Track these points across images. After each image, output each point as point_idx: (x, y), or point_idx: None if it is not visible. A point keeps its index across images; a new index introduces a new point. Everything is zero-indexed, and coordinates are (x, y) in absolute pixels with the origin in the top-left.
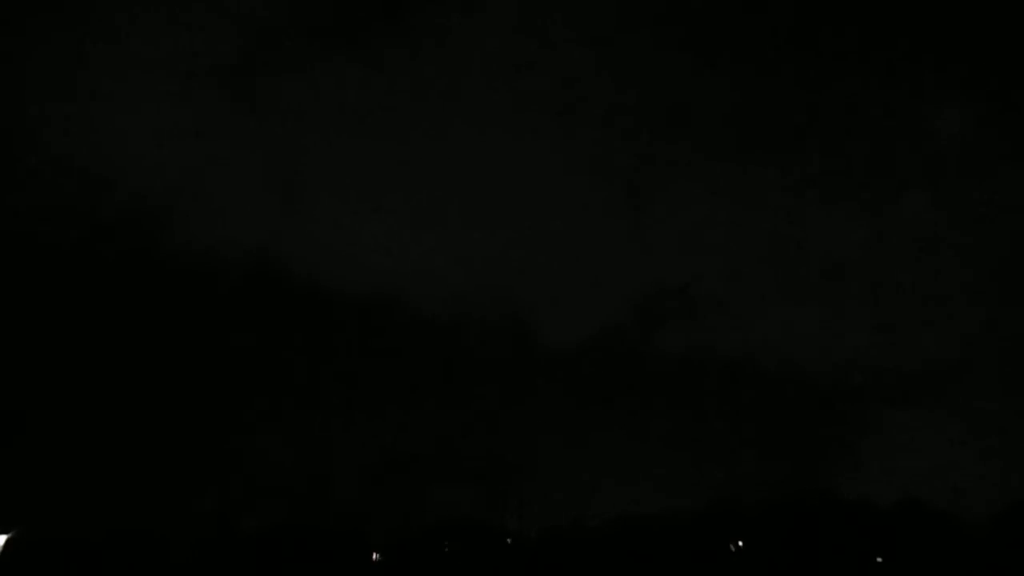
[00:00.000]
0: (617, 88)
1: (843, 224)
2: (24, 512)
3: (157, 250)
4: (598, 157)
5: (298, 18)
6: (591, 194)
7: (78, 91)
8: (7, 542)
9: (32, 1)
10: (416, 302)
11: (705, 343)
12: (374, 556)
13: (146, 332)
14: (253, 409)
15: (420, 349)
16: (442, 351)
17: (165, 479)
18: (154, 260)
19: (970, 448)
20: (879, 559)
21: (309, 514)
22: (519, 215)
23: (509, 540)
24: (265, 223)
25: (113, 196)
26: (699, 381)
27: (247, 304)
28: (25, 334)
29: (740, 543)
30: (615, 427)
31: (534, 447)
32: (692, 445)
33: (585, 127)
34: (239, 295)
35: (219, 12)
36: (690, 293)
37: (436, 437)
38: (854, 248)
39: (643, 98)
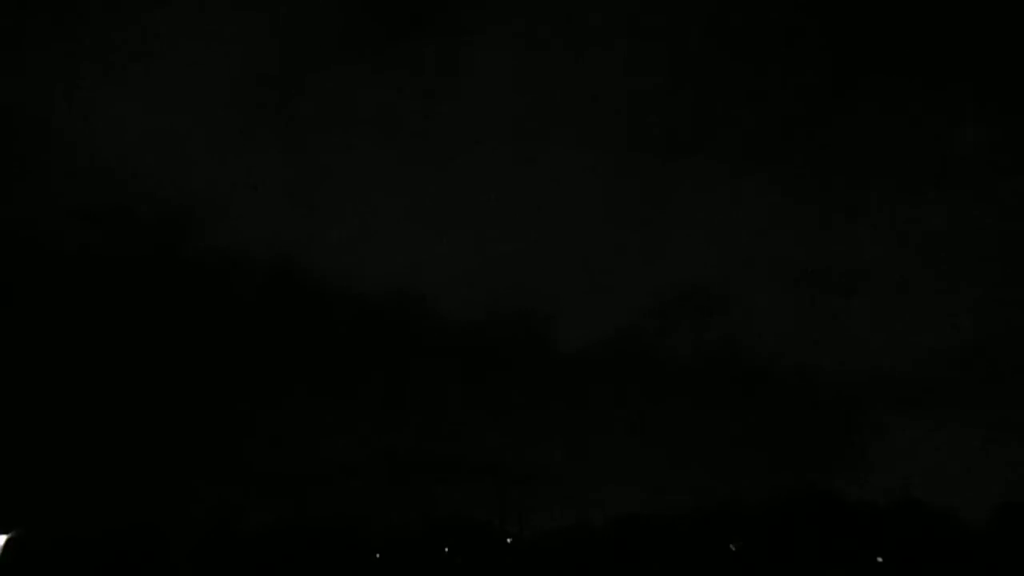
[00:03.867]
0: (635, 97)
1: (855, 233)
2: (24, 512)
3: (181, 253)
4: (616, 164)
5: (327, 30)
6: (609, 199)
7: (110, 99)
8: (7, 542)
9: (68, 10)
10: (436, 305)
11: (714, 346)
12: (376, 555)
13: (154, 333)
14: (255, 409)
15: (435, 351)
16: (458, 353)
17: (166, 479)
18: (176, 262)
19: (970, 449)
20: (879, 559)
21: (309, 514)
22: (539, 220)
23: (509, 540)
24: (290, 226)
25: (141, 200)
26: (705, 382)
27: (266, 305)
28: (33, 335)
29: (740, 543)
30: (620, 428)
31: (536, 448)
32: (694, 446)
33: (604, 134)
34: (259, 297)
35: (249, 26)
36: (703, 297)
37: (439, 437)
38: (865, 256)
39: (662, 106)
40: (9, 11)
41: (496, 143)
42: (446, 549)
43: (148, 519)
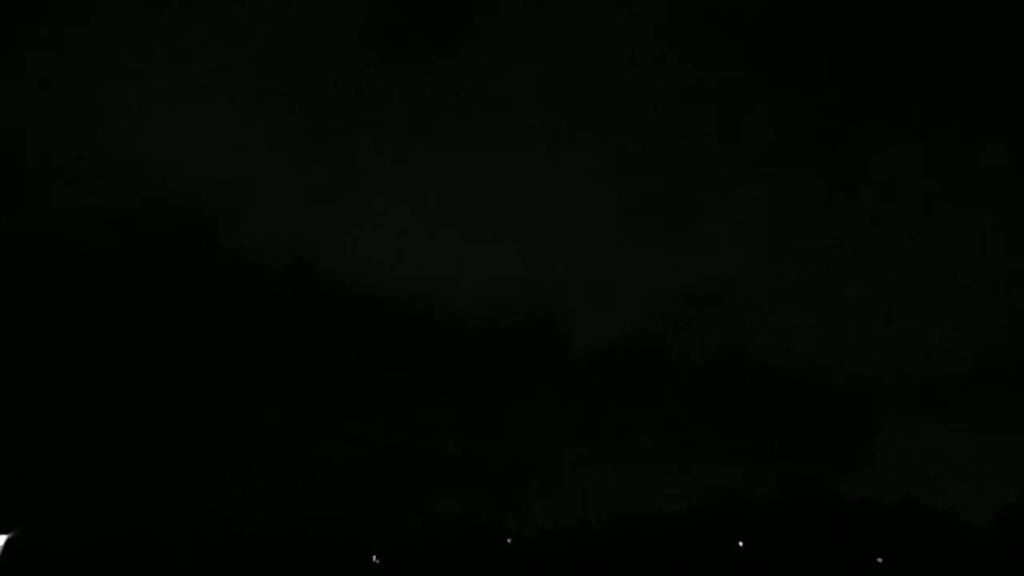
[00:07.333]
0: (652, 100)
1: (867, 238)
2: (24, 512)
3: (198, 255)
4: (631, 166)
5: (356, 33)
6: (625, 202)
7: (128, 100)
8: (7, 542)
9: (95, 13)
10: (448, 306)
11: (724, 346)
12: (374, 557)
13: (162, 333)
14: (258, 409)
15: (445, 351)
16: (467, 353)
17: (167, 479)
18: (193, 264)
19: (977, 450)
20: (879, 559)
21: (309, 515)
22: (553, 221)
23: (509, 540)
24: (309, 228)
25: (162, 202)
26: (712, 383)
27: (278, 306)
28: (39, 336)
29: (740, 543)
30: (622, 429)
31: (537, 448)
32: (697, 445)
33: (619, 137)
34: (274, 298)
35: (276, 32)
36: (715, 298)
37: (441, 438)
38: (875, 260)
39: (678, 110)
40: (24, 8)
41: (513, 145)
42: (446, 549)
43: (149, 519)
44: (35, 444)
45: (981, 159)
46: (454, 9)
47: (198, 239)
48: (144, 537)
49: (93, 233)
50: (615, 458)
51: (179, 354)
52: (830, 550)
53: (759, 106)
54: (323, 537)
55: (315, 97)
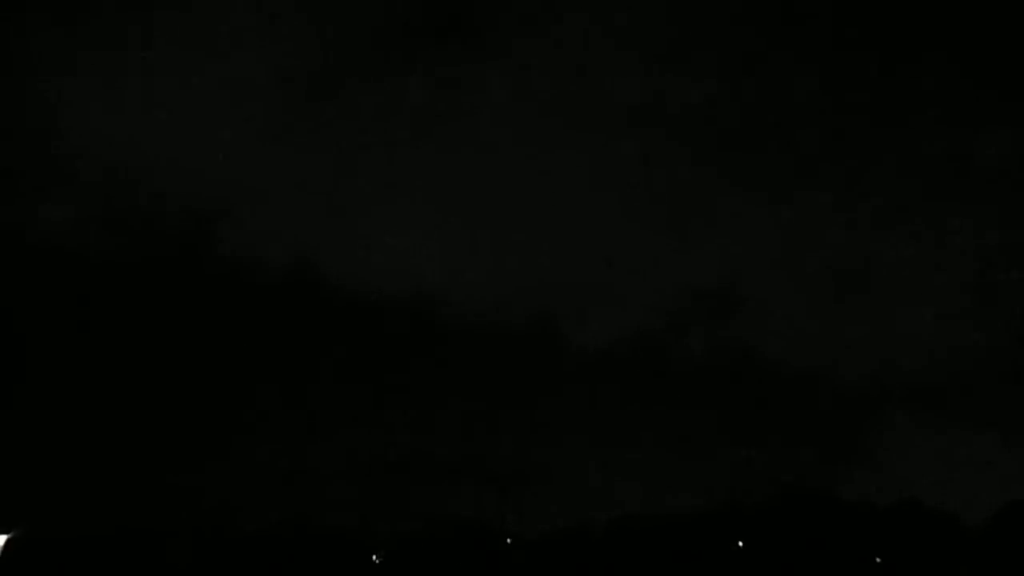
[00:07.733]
0: (654, 100)
1: (866, 237)
2: (24, 512)
3: (195, 255)
4: (632, 166)
5: (355, 36)
6: (627, 202)
7: (128, 98)
8: (7, 542)
9: (94, 13)
10: (451, 306)
11: (727, 346)
12: (374, 557)
13: (163, 334)
14: (258, 410)
15: (445, 351)
16: (467, 353)
17: (165, 479)
18: (190, 265)
19: (971, 449)
20: (879, 559)
21: (309, 514)
22: (557, 220)
23: (509, 540)
24: (310, 228)
25: (163, 202)
26: (715, 382)
27: (279, 306)
28: (37, 335)
29: (741, 543)
30: (621, 429)
31: (537, 448)
32: (698, 445)
33: (619, 137)
34: (272, 300)
35: (281, 28)
36: (719, 297)
37: (440, 437)
38: (874, 261)
39: (680, 110)
40: (23, 8)
41: (514, 145)
42: (446, 549)
43: (148, 519)
44: (35, 444)
45: (982, 159)
46: (455, 10)
47: (197, 239)
48: (144, 537)
49: (92, 234)
50: (615, 458)
51: (178, 354)
52: (829, 550)
53: (761, 107)
54: (323, 537)
55: (315, 97)
